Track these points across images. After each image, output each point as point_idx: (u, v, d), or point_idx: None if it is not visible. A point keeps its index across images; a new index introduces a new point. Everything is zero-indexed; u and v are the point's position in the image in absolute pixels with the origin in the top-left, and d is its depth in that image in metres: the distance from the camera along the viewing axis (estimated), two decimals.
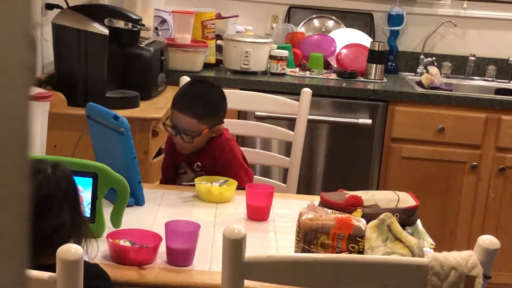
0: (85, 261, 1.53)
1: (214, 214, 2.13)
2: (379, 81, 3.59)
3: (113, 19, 2.94)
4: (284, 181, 2.86)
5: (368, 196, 2.03)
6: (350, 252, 1.73)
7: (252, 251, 1.34)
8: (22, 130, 0.49)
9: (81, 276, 1.30)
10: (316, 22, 3.98)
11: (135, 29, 2.96)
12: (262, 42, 3.53)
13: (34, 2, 2.81)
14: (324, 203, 2.04)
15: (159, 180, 2.56)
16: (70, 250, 1.29)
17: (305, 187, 3.31)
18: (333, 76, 3.62)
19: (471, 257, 1.33)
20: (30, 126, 0.50)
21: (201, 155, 2.42)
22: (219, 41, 3.58)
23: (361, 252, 1.73)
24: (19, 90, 0.49)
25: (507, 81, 3.91)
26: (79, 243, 1.54)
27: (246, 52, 3.46)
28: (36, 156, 1.98)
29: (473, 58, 3.92)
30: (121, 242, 1.75)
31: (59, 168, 1.54)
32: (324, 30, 3.94)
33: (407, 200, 2.04)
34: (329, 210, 1.85)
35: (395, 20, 3.91)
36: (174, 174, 2.48)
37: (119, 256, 1.72)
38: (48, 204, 1.49)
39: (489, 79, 3.92)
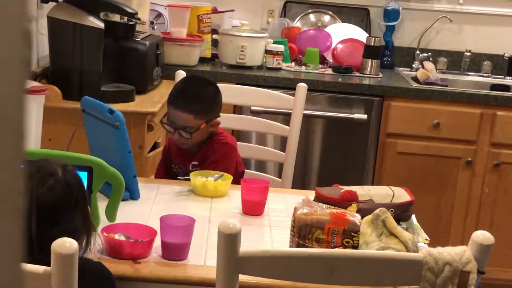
0: (89, 259, 1.54)
1: (209, 208, 2.13)
2: (374, 76, 3.60)
3: (109, 12, 2.93)
4: (279, 176, 2.86)
5: (363, 191, 2.03)
6: (345, 247, 1.73)
7: (247, 245, 1.34)
8: (18, 126, 0.49)
9: (76, 270, 1.30)
10: (312, 17, 3.98)
11: (130, 23, 2.95)
12: (258, 36, 3.52)
13: None
14: (319, 198, 2.04)
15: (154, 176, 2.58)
16: (64, 244, 1.29)
17: (300, 182, 3.32)
18: (329, 71, 3.62)
19: (465, 253, 1.33)
20: (26, 122, 0.50)
21: (197, 154, 2.43)
22: (215, 36, 3.58)
23: (355, 247, 1.74)
24: (15, 85, 0.49)
25: (503, 77, 3.91)
26: (87, 243, 1.54)
27: (242, 46, 3.45)
28: (34, 151, 1.98)
29: (468, 54, 3.93)
30: (116, 236, 1.75)
31: (68, 170, 1.54)
32: (320, 25, 3.94)
33: (402, 195, 2.05)
34: (324, 205, 1.85)
35: (391, 15, 3.91)
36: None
37: (113, 250, 1.72)
38: (61, 210, 1.50)
39: (485, 74, 3.92)
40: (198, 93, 2.41)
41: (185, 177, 2.32)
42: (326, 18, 3.97)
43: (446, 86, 3.58)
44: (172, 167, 2.49)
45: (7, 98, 0.50)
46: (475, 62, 3.97)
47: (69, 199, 1.51)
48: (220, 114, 2.46)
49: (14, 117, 0.49)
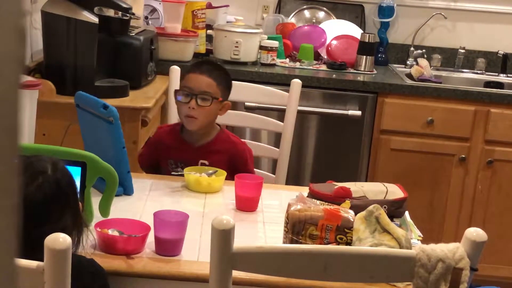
0: (81, 256, 1.53)
1: (203, 204, 2.14)
2: (369, 72, 3.60)
3: (103, 7, 2.92)
4: (273, 172, 2.86)
5: (357, 188, 2.03)
6: (338, 244, 1.74)
7: (241, 241, 1.34)
8: (12, 122, 0.49)
9: (69, 265, 1.30)
10: (306, 13, 3.98)
11: (125, 17, 2.95)
12: (252, 32, 3.52)
13: None
14: (312, 194, 2.04)
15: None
16: (58, 239, 1.29)
17: (294, 178, 3.32)
18: (323, 67, 3.62)
19: (458, 249, 1.33)
20: (20, 118, 0.50)
21: (209, 153, 2.42)
22: (209, 31, 3.57)
23: (349, 243, 1.74)
24: (9, 82, 0.49)
25: (496, 74, 3.92)
26: (78, 240, 1.54)
27: (237, 42, 3.45)
28: (28, 146, 1.97)
29: (462, 51, 3.93)
30: (110, 232, 1.75)
31: (59, 167, 1.53)
32: (314, 21, 3.94)
33: (395, 192, 2.05)
34: (318, 201, 1.86)
35: (385, 11, 3.91)
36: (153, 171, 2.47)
37: (107, 246, 1.72)
38: (50, 208, 1.48)
39: (479, 71, 3.93)
40: (219, 68, 2.49)
41: (179, 173, 2.31)
42: (321, 14, 3.97)
43: (440, 83, 3.58)
44: (168, 164, 2.46)
45: (1, 94, 0.50)
46: (469, 59, 3.97)
47: (58, 198, 1.50)
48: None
49: (8, 114, 0.49)
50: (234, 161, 2.43)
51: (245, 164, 2.45)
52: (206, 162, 2.38)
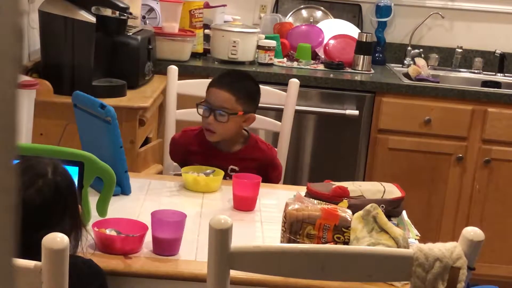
0: (79, 257, 1.53)
1: (200, 204, 2.14)
2: (366, 72, 3.60)
3: (100, 7, 2.92)
4: None
5: (354, 187, 2.03)
6: (336, 243, 1.74)
7: (238, 241, 1.34)
8: (10, 122, 0.49)
9: (67, 265, 1.30)
10: (304, 13, 3.98)
11: (122, 17, 2.94)
12: (250, 32, 3.52)
13: None
14: (310, 194, 2.04)
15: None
16: (55, 239, 1.29)
17: (291, 178, 3.32)
18: (321, 67, 3.62)
19: (456, 249, 1.34)
20: (18, 118, 0.50)
21: (237, 160, 2.42)
22: (207, 31, 3.57)
23: (346, 242, 1.74)
24: (6, 81, 0.49)
25: (494, 73, 3.92)
26: (76, 242, 1.53)
27: (234, 42, 3.45)
28: (25, 145, 1.97)
29: (460, 50, 3.94)
30: (107, 231, 1.75)
31: (59, 171, 1.52)
32: (312, 20, 3.94)
33: (393, 191, 2.05)
34: (315, 201, 1.86)
35: (383, 11, 3.91)
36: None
37: (104, 245, 1.72)
38: (49, 212, 1.48)
39: (476, 71, 3.93)
40: (243, 79, 2.47)
41: (176, 173, 2.31)
42: (318, 13, 3.97)
43: (438, 82, 3.58)
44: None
45: None
46: (467, 58, 3.98)
47: (57, 201, 1.49)
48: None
49: (6, 114, 0.49)
50: (264, 167, 2.45)
51: (272, 168, 2.49)
52: (236, 168, 2.39)
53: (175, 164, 2.63)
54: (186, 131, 2.54)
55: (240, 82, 2.42)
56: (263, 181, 2.22)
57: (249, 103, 2.41)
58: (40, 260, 1.29)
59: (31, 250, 1.26)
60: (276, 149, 2.64)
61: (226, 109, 2.35)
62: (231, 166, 2.38)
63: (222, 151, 2.43)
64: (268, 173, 2.47)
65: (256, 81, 2.52)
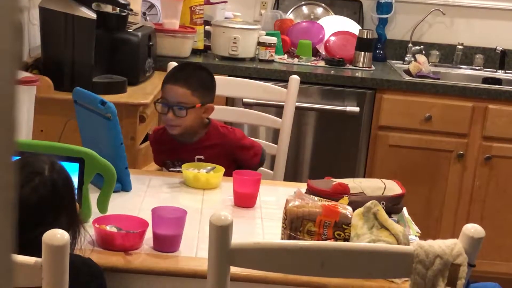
0: (78, 255, 1.53)
1: (201, 200, 2.14)
2: (367, 69, 3.60)
3: (101, 3, 2.91)
4: (271, 168, 2.86)
5: (355, 184, 2.03)
6: (336, 240, 1.74)
7: (239, 237, 1.34)
8: (9, 119, 0.49)
9: (67, 262, 1.30)
10: (305, 9, 3.97)
11: (123, 13, 2.94)
12: (250, 28, 3.52)
13: None
14: (310, 191, 2.04)
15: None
16: (55, 235, 1.29)
17: (292, 175, 3.32)
18: (321, 63, 3.62)
19: (456, 246, 1.33)
20: (17, 115, 0.50)
21: (203, 149, 2.42)
22: (207, 27, 3.57)
23: (347, 239, 1.74)
24: (6, 78, 0.48)
25: (495, 70, 3.92)
26: (74, 240, 1.53)
27: (235, 38, 3.45)
28: (25, 142, 1.97)
29: (461, 47, 3.93)
30: (107, 228, 1.75)
31: (56, 168, 1.51)
32: (312, 17, 3.94)
33: (393, 188, 2.05)
34: (316, 198, 1.86)
35: (384, 8, 3.91)
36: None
37: (105, 242, 1.72)
38: (44, 210, 1.47)
39: (477, 68, 3.93)
40: (196, 71, 2.46)
41: (177, 169, 2.32)
42: (319, 10, 3.96)
43: (438, 79, 3.58)
44: (165, 164, 2.47)
45: None
46: (467, 55, 3.97)
47: (53, 200, 1.48)
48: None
49: (5, 110, 0.49)
50: (230, 151, 2.45)
51: (241, 150, 2.47)
52: (202, 157, 2.39)
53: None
54: (152, 133, 2.59)
55: (193, 75, 2.42)
56: (238, 166, 2.23)
57: (205, 94, 2.42)
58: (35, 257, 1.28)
59: (28, 248, 1.25)
60: (240, 130, 2.61)
61: (183, 104, 2.35)
62: (197, 156, 2.38)
63: (186, 143, 2.44)
64: (240, 156, 2.46)
65: (209, 71, 2.51)
